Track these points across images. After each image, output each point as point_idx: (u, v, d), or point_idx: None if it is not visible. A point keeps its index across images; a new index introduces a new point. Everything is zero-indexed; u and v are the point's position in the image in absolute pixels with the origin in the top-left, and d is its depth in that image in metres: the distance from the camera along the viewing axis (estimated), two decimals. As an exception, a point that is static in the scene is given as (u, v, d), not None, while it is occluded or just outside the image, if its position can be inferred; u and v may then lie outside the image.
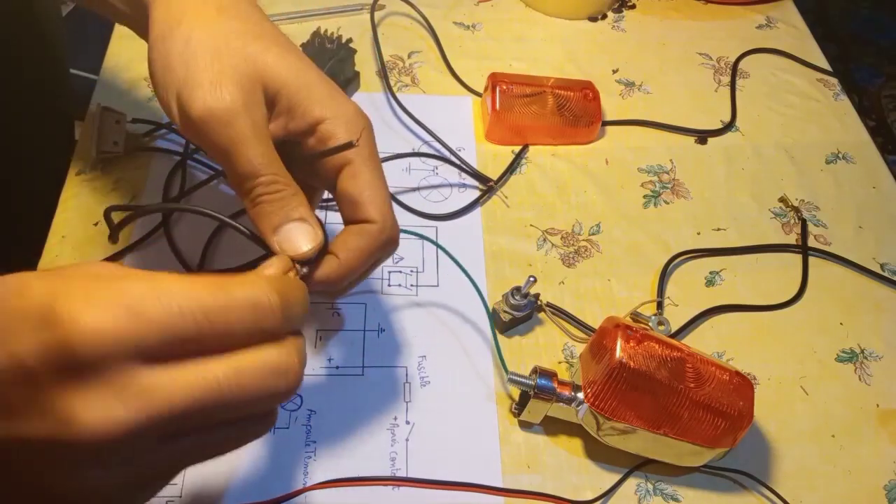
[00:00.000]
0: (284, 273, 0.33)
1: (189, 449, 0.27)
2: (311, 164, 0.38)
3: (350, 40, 0.61)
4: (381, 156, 0.39)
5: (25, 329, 0.24)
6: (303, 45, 0.61)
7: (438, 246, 0.46)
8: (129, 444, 0.24)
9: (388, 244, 0.38)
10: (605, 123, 0.66)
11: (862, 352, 0.55)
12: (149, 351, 0.24)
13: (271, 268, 0.33)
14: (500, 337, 0.52)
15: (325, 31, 0.61)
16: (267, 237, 0.35)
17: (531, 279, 0.49)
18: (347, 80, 0.63)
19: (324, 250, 0.36)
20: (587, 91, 0.63)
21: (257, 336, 0.27)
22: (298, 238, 0.35)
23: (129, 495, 0.27)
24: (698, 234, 0.60)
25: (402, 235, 0.40)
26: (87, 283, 0.25)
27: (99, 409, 0.24)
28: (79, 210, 0.54)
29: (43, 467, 0.25)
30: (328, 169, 0.37)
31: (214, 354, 0.26)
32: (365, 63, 0.66)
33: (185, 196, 0.55)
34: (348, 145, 0.35)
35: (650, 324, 0.53)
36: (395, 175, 0.59)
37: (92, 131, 0.54)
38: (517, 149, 0.63)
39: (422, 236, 0.47)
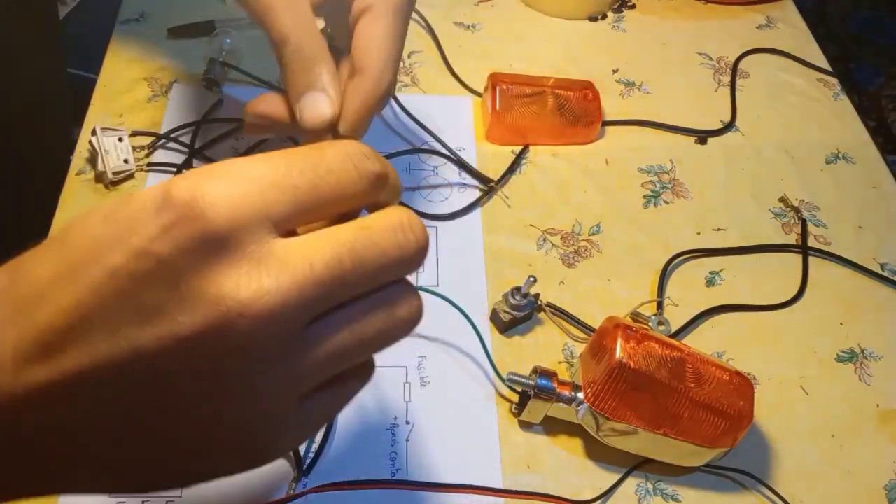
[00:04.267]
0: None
1: (339, 337, 0.24)
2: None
3: None
4: (382, 155, 0.38)
5: (143, 219, 0.22)
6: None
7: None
8: (283, 328, 0.22)
9: (382, 98, 0.38)
10: (605, 123, 0.66)
11: (862, 352, 0.55)
12: (280, 220, 0.23)
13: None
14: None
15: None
16: (292, 104, 0.37)
17: (531, 279, 0.49)
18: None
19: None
20: (587, 91, 0.63)
21: (390, 192, 0.27)
22: (316, 107, 0.36)
23: (287, 425, 0.25)
24: (698, 234, 0.60)
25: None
26: (201, 168, 0.23)
27: (246, 284, 0.22)
28: (79, 210, 0.54)
29: (203, 379, 0.23)
30: (352, 22, 0.38)
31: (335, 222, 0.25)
32: (365, 63, 0.66)
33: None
34: None
35: (650, 324, 0.53)
36: (395, 175, 0.59)
37: (100, 154, 0.54)
38: (517, 149, 0.63)
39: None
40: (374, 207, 0.27)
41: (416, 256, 0.26)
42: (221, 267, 0.22)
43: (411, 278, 0.53)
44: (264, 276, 0.22)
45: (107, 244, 0.22)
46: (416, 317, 0.27)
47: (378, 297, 0.25)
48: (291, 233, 0.24)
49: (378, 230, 0.25)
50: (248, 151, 0.58)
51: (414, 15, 0.71)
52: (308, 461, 0.44)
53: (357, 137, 0.38)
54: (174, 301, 0.22)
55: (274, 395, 0.24)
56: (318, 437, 0.45)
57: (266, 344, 0.22)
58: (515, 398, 0.48)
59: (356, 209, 0.26)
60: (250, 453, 0.26)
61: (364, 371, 0.28)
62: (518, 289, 0.50)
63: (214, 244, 0.22)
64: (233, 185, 0.22)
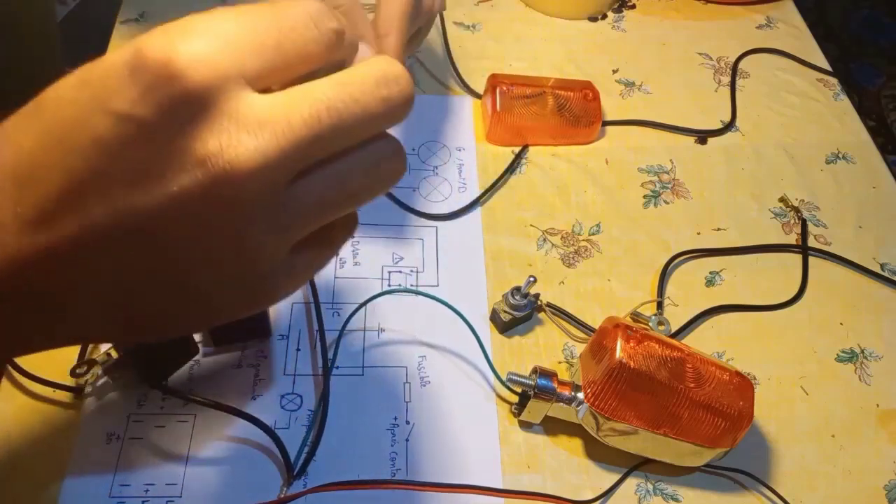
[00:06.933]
0: None
1: (323, 191, 0.25)
2: None
3: None
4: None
5: (119, 81, 0.22)
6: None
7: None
8: (267, 185, 0.23)
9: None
10: (605, 123, 0.66)
11: (862, 352, 0.55)
12: (253, 79, 0.23)
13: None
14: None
15: None
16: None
17: (531, 279, 0.49)
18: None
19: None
20: (587, 91, 0.63)
21: (347, 50, 0.26)
22: None
23: (278, 277, 0.26)
24: (698, 234, 0.60)
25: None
26: (168, 26, 0.23)
27: (227, 143, 0.22)
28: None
29: (194, 237, 0.24)
30: None
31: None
32: (365, 63, 0.66)
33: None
34: None
35: (650, 324, 0.53)
36: (395, 175, 0.59)
37: None
38: (517, 149, 0.63)
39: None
40: (335, 67, 0.26)
41: (399, 110, 0.25)
42: (204, 126, 0.22)
43: (411, 279, 0.53)
44: (244, 135, 0.22)
45: (87, 109, 0.22)
46: (398, 169, 0.27)
47: (362, 152, 0.26)
48: (266, 91, 0.24)
49: (358, 84, 0.24)
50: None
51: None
52: (300, 463, 0.44)
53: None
54: (161, 162, 0.22)
55: (263, 248, 0.25)
56: (312, 436, 0.45)
57: (252, 200, 0.23)
58: (515, 398, 0.48)
59: (317, 68, 0.25)
60: (246, 302, 0.27)
61: (348, 223, 0.29)
62: (518, 289, 0.50)
63: (194, 104, 0.22)
64: (207, 43, 0.22)
